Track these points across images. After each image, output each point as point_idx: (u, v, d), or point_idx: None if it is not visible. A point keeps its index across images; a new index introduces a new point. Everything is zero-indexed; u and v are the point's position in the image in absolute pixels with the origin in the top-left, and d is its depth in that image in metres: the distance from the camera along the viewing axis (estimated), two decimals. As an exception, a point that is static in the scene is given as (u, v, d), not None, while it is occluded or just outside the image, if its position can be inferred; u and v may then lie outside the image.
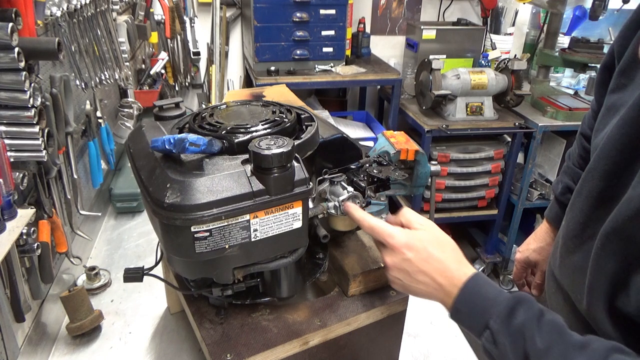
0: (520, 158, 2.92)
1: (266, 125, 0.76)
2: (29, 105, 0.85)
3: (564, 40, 2.99)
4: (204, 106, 1.29)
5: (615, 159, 0.66)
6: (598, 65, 0.95)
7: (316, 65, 2.76)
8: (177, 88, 2.61)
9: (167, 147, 0.67)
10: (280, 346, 0.78)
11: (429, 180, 1.40)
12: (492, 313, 0.63)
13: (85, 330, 1.03)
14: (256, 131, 0.74)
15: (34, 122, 0.87)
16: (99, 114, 1.37)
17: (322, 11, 2.64)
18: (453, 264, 0.70)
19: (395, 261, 0.72)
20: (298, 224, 0.73)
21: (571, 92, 3.10)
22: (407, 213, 0.76)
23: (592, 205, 0.71)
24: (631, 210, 0.61)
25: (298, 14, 2.61)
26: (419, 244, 0.71)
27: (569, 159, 1.10)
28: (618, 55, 0.77)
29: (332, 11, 2.66)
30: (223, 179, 0.66)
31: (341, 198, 0.82)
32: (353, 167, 0.89)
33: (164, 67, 2.23)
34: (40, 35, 1.02)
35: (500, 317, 0.62)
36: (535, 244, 1.15)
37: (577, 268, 0.74)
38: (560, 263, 0.81)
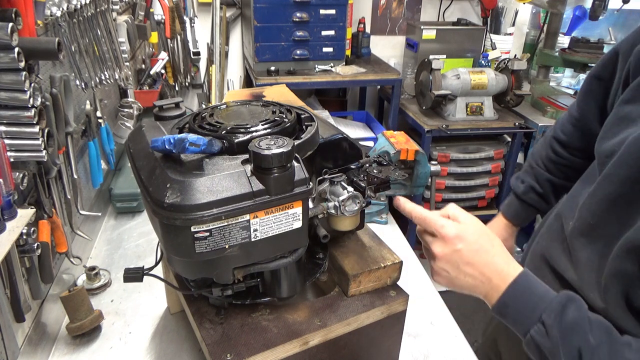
0: (520, 158, 2.92)
1: (266, 125, 0.76)
2: (29, 105, 0.85)
3: (564, 40, 2.99)
4: (204, 106, 1.29)
5: (637, 167, 0.68)
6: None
7: (316, 65, 2.76)
8: (177, 88, 2.61)
9: (167, 147, 0.67)
10: (280, 346, 0.78)
11: (429, 180, 1.39)
12: (545, 308, 0.67)
13: (85, 330, 1.03)
14: (256, 131, 0.74)
15: (34, 122, 0.87)
16: (99, 114, 1.37)
17: (322, 11, 2.64)
18: (502, 259, 0.73)
19: (446, 251, 0.73)
20: (298, 224, 0.73)
21: (571, 92, 3.10)
22: (452, 208, 0.78)
23: (605, 208, 0.73)
24: None
25: (298, 14, 2.61)
26: (471, 236, 0.73)
27: (532, 159, 1.12)
28: (635, 70, 0.77)
29: (332, 11, 2.66)
30: (223, 179, 0.66)
31: (341, 198, 0.82)
32: (353, 167, 0.89)
33: (164, 67, 2.23)
34: (40, 35, 1.02)
35: (553, 312, 0.66)
36: None
37: (584, 265, 0.76)
38: (566, 259, 0.82)
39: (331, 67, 2.77)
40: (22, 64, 0.82)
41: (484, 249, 0.73)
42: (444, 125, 2.62)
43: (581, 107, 0.98)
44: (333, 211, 0.83)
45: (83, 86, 1.23)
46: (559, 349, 0.64)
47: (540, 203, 1.11)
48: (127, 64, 1.51)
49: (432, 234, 0.76)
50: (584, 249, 0.76)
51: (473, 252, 0.72)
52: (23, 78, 0.82)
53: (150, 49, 2.27)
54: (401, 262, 0.91)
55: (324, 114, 2.76)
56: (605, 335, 0.64)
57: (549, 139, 1.09)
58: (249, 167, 0.68)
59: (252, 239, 0.70)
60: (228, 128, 0.75)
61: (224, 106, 0.86)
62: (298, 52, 2.71)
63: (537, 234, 0.96)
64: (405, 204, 0.81)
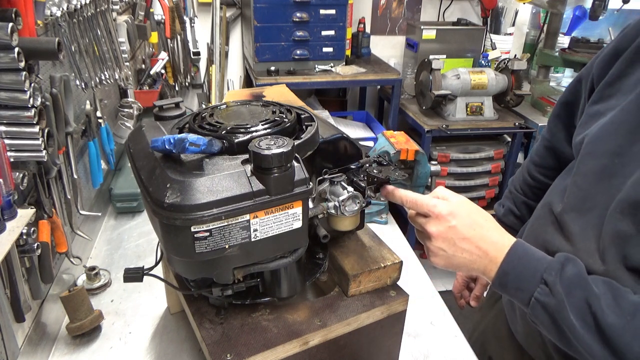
0: (520, 158, 2.92)
1: (266, 125, 0.76)
2: (29, 105, 0.85)
3: (564, 40, 2.99)
4: (204, 106, 1.29)
5: (617, 142, 0.72)
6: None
7: (316, 65, 2.76)
8: (177, 88, 2.61)
9: (167, 147, 0.67)
10: (280, 346, 0.78)
11: (429, 180, 1.40)
12: (545, 269, 0.69)
13: (85, 330, 1.03)
14: (256, 131, 0.74)
15: (34, 122, 0.87)
16: (99, 114, 1.37)
17: (322, 11, 2.64)
18: (496, 232, 0.76)
19: (441, 229, 0.75)
20: (298, 224, 0.73)
21: (571, 92, 3.10)
22: (441, 190, 0.80)
23: (591, 181, 0.76)
24: None
25: (298, 14, 2.61)
26: (463, 212, 0.76)
27: (511, 185, 1.19)
28: (598, 79, 0.83)
29: (332, 11, 2.66)
30: (223, 179, 0.66)
31: (341, 198, 0.82)
32: (353, 167, 0.89)
33: (164, 67, 2.23)
34: (40, 35, 1.02)
35: (554, 270, 0.69)
36: None
37: (579, 236, 0.78)
38: (560, 236, 0.85)
39: (331, 67, 2.77)
40: (22, 64, 0.82)
41: (477, 223, 0.75)
42: (444, 125, 2.62)
43: (551, 128, 1.06)
44: (333, 211, 0.83)
45: (83, 86, 1.23)
46: (566, 305, 0.66)
47: (518, 225, 1.16)
48: (127, 64, 1.51)
49: (425, 215, 0.77)
50: (576, 221, 0.78)
51: (467, 227, 0.74)
52: (23, 78, 0.82)
53: (150, 49, 2.27)
54: (401, 262, 0.91)
55: (324, 114, 2.76)
56: (606, 285, 0.67)
57: (526, 164, 1.16)
58: (249, 167, 0.68)
59: (252, 239, 0.70)
60: (228, 128, 0.75)
61: (224, 106, 0.86)
62: (298, 52, 2.71)
63: (526, 228, 0.99)
64: (395, 192, 0.83)
